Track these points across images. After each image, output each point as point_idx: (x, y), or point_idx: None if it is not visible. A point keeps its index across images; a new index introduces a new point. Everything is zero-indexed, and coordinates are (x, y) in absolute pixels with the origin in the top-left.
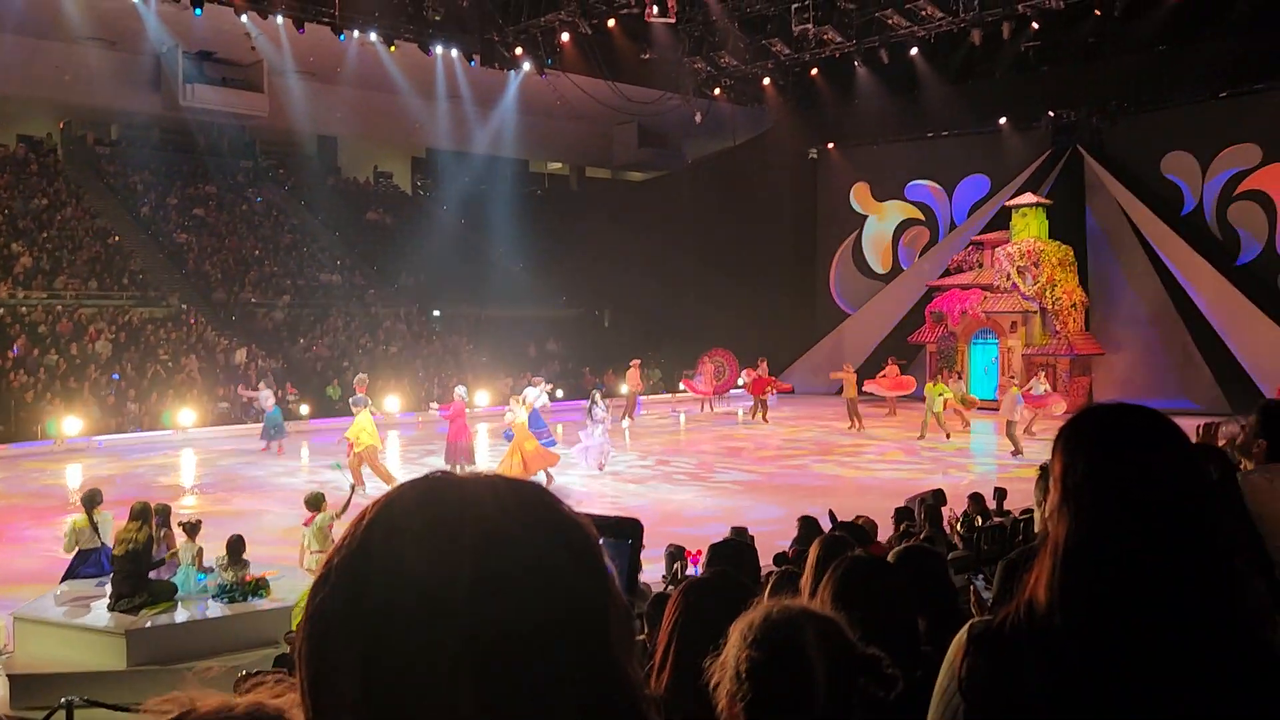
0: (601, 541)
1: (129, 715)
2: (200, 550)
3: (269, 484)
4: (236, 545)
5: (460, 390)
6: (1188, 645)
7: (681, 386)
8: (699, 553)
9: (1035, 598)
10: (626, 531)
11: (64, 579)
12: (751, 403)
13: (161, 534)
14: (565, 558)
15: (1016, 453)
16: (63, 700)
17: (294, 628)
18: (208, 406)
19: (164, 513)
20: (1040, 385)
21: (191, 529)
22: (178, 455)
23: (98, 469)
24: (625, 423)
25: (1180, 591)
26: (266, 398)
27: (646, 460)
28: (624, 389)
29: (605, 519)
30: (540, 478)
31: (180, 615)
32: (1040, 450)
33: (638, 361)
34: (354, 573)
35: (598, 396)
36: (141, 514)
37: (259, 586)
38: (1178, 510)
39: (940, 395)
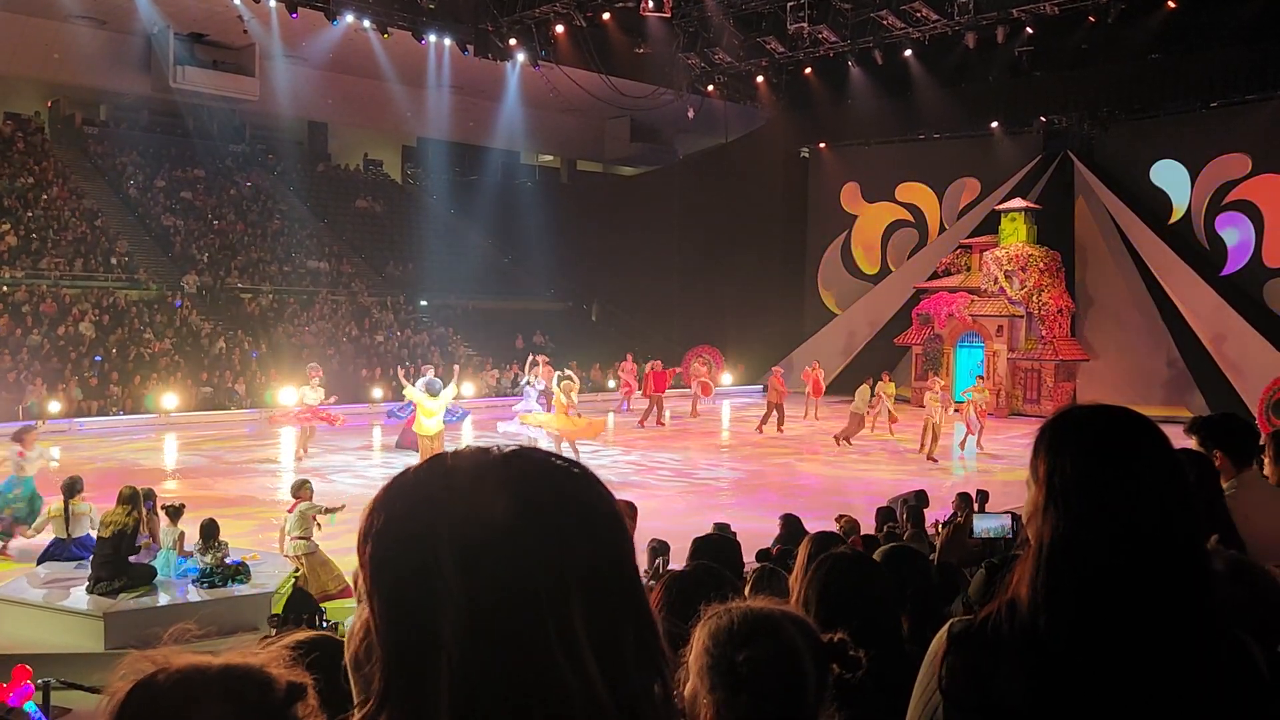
0: None
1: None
2: (182, 534)
3: (252, 469)
4: (209, 528)
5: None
6: (1167, 647)
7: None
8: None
9: (1018, 597)
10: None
11: (39, 563)
12: (648, 405)
13: (145, 517)
14: (582, 521)
15: (930, 458)
16: (39, 681)
17: (276, 612)
18: (191, 390)
19: (150, 497)
20: (982, 394)
21: (174, 513)
22: (160, 439)
23: (79, 451)
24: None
25: (1161, 595)
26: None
27: (630, 456)
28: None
29: None
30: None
31: (159, 598)
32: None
33: (544, 358)
34: (396, 526)
35: (531, 376)
36: (131, 499)
37: (239, 571)
38: (1162, 513)
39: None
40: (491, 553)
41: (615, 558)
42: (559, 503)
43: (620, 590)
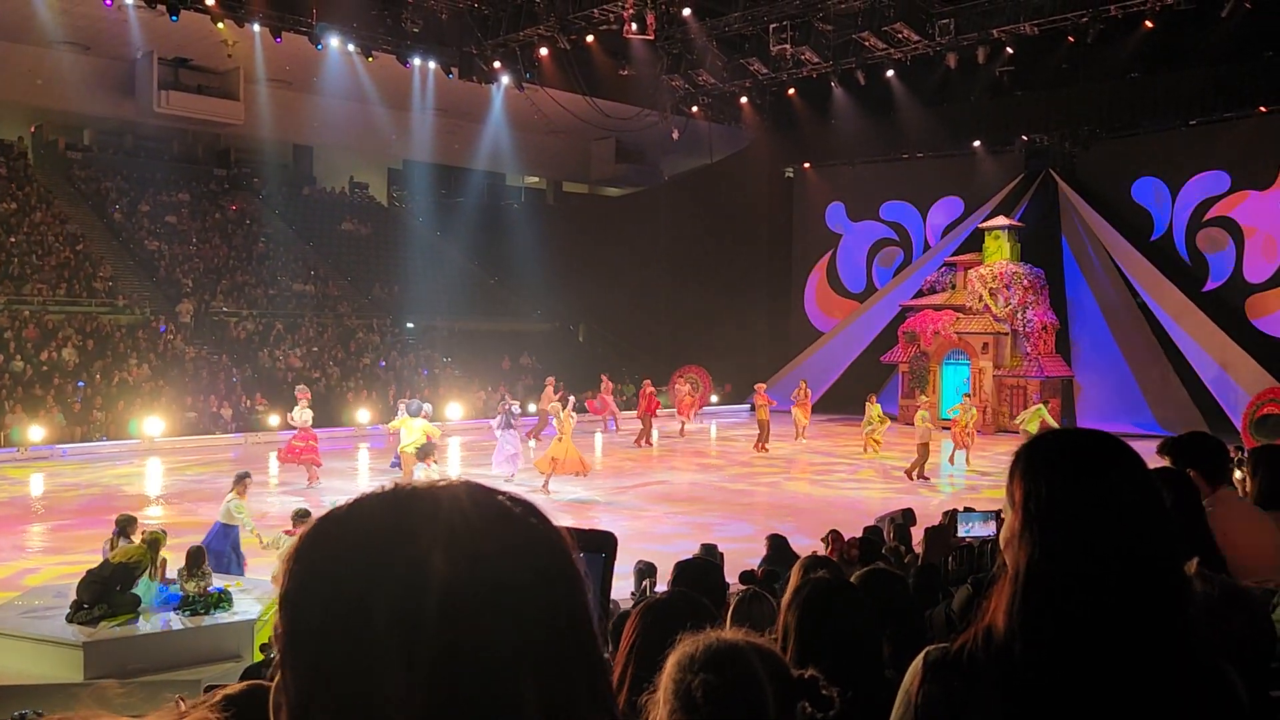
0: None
1: None
2: (164, 561)
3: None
4: (195, 556)
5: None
6: (1144, 675)
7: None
8: None
9: (994, 625)
10: (601, 545)
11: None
12: (641, 426)
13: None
14: (535, 574)
15: (919, 476)
16: (16, 713)
17: (264, 641)
18: (175, 416)
19: (127, 523)
20: (969, 413)
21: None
22: (143, 465)
23: (62, 477)
24: (531, 442)
25: (1138, 621)
26: None
27: (618, 478)
28: (533, 407)
29: (580, 531)
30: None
31: (140, 627)
32: None
33: (551, 380)
34: (323, 585)
35: (514, 407)
36: (153, 543)
37: (221, 599)
38: (1138, 537)
39: (876, 415)
40: (445, 623)
41: (571, 610)
42: (512, 558)
43: (576, 643)
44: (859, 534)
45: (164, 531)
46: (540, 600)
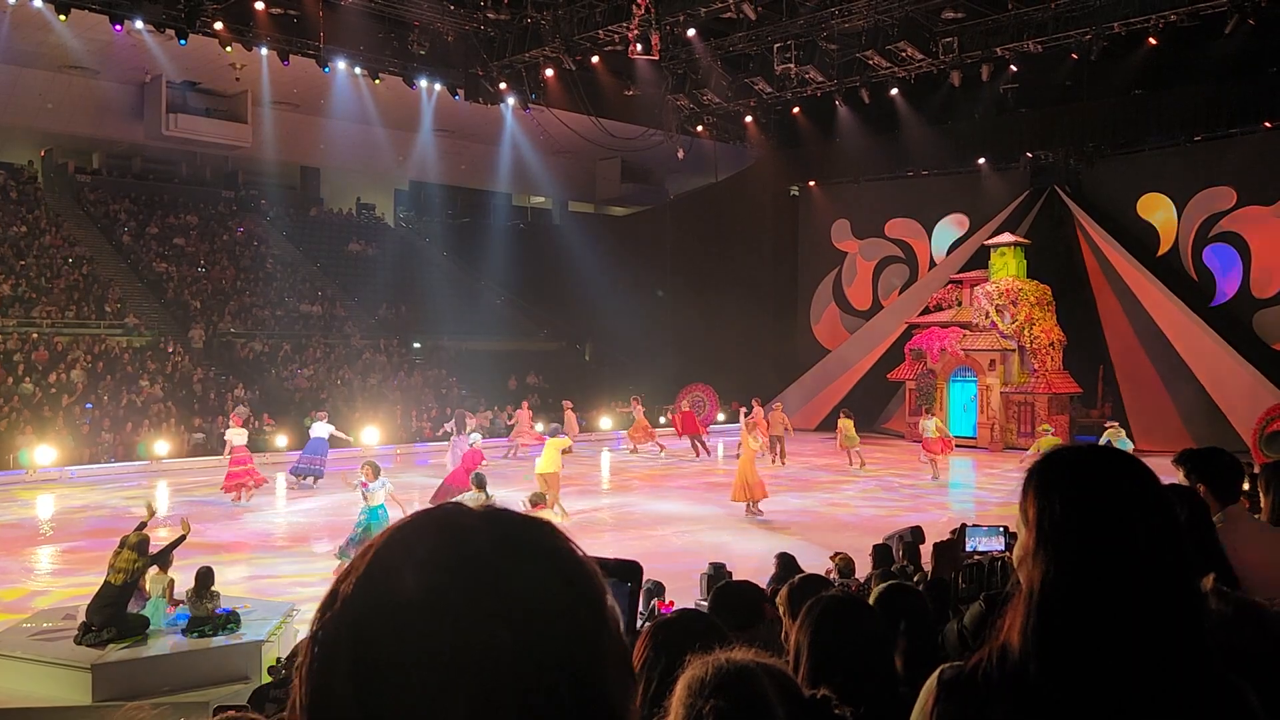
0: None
1: None
2: (171, 582)
3: (243, 516)
4: (205, 577)
5: (476, 437)
6: (1160, 693)
7: (663, 420)
8: (671, 604)
9: (1009, 643)
10: (627, 574)
11: None
12: (690, 444)
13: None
14: (568, 594)
15: None
16: None
17: (273, 662)
18: (183, 437)
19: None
20: (930, 423)
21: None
22: (151, 486)
23: (70, 499)
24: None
25: (1153, 639)
26: None
27: (626, 496)
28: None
29: (607, 561)
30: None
31: (148, 649)
32: None
33: (637, 398)
34: (360, 598)
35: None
36: (139, 546)
37: (229, 621)
38: (1153, 554)
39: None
40: (380, 651)
41: (573, 654)
42: (445, 594)
43: (526, 706)
44: (869, 551)
45: (143, 535)
46: (570, 617)
